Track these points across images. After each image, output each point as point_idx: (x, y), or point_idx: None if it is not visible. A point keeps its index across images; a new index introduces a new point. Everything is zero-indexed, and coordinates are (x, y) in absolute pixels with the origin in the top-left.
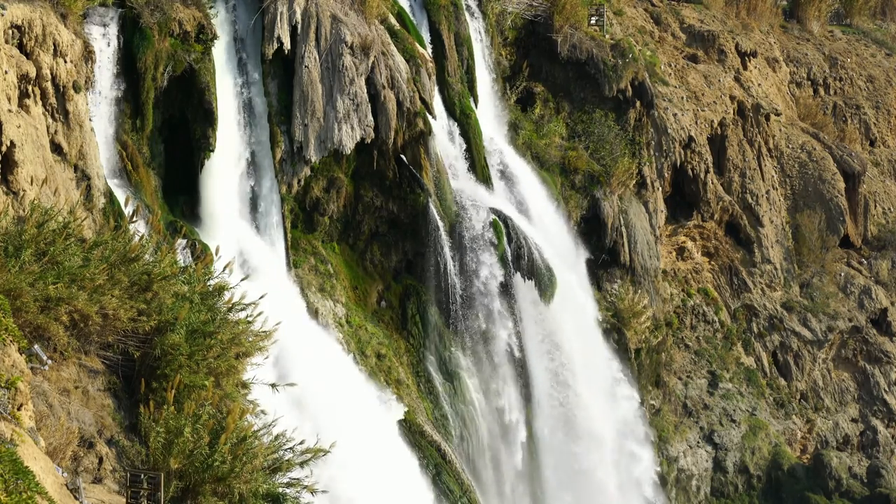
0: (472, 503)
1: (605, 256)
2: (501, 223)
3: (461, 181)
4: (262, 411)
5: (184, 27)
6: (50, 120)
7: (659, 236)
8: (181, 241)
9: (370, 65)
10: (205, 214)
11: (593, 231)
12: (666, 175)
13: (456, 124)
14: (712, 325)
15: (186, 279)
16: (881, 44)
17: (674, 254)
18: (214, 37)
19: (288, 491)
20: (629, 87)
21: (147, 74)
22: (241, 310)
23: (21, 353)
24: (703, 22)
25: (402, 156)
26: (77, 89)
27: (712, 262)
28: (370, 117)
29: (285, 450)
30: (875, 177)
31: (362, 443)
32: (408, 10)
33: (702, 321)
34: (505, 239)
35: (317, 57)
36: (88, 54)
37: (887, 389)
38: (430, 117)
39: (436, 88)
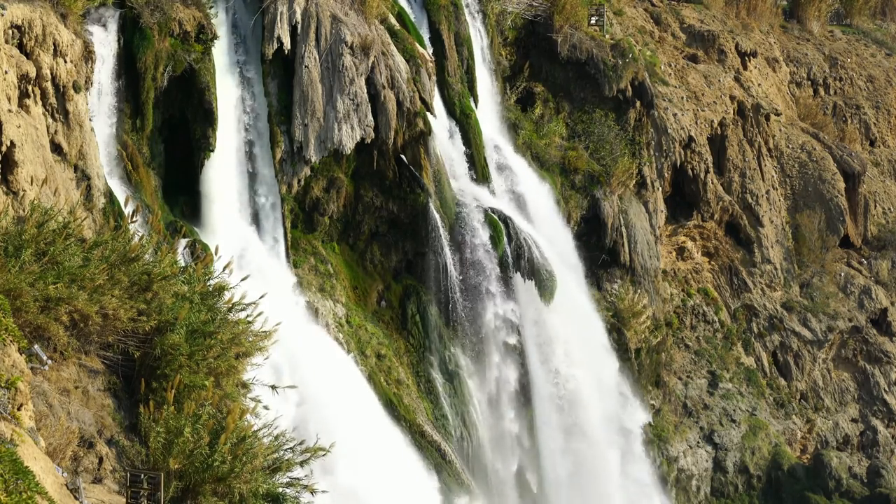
0: (471, 503)
1: (605, 256)
2: (501, 223)
3: (461, 181)
4: (266, 407)
5: (184, 27)
6: (50, 120)
7: (659, 236)
8: (181, 241)
9: (370, 65)
10: (205, 214)
11: (593, 231)
12: (666, 175)
13: (456, 124)
14: (712, 325)
15: (186, 279)
16: (881, 44)
17: (674, 254)
18: (214, 37)
19: (288, 491)
20: (629, 87)
21: (147, 74)
22: (241, 310)
23: (21, 353)
24: (703, 22)
25: (402, 156)
26: (77, 89)
27: (712, 262)
28: (370, 117)
29: (285, 450)
30: (875, 177)
31: (364, 444)
32: (408, 10)
33: (702, 321)
34: (505, 239)
35: (317, 57)
36: (88, 54)
37: (887, 389)
38: (430, 117)
39: (436, 88)
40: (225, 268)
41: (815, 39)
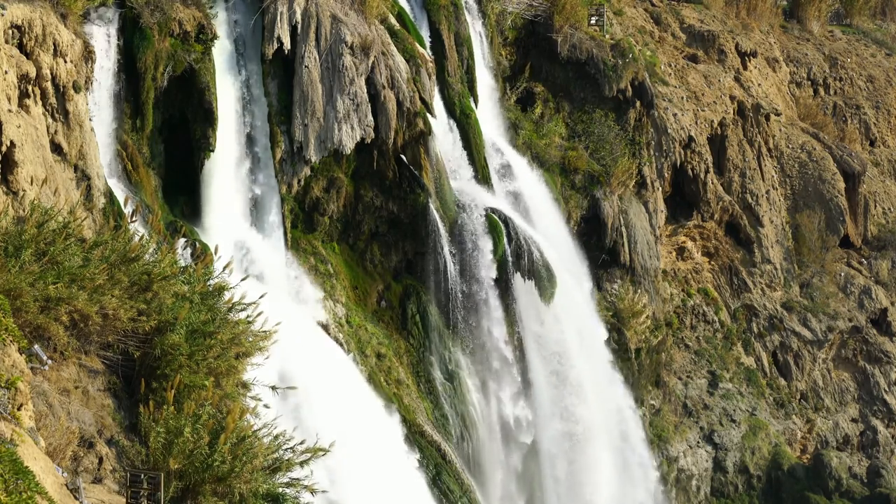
0: (472, 503)
1: (605, 256)
2: (501, 223)
3: (461, 181)
4: (266, 405)
5: (184, 27)
6: (50, 120)
7: (659, 236)
8: (181, 241)
9: (370, 65)
10: (205, 214)
11: (593, 231)
12: (666, 175)
13: (456, 124)
14: (712, 325)
15: (186, 279)
16: (881, 44)
17: (674, 254)
18: (214, 37)
19: (288, 491)
20: (629, 87)
21: (147, 74)
22: (242, 310)
23: (21, 353)
24: (703, 22)
25: (402, 156)
26: (77, 89)
27: (712, 262)
28: (370, 117)
29: (285, 450)
30: (875, 177)
31: (363, 445)
32: (408, 10)
33: (702, 321)
34: (505, 239)
35: (317, 57)
36: (88, 54)
37: (887, 389)
38: (430, 117)
39: (436, 88)
40: (225, 268)
41: (815, 39)
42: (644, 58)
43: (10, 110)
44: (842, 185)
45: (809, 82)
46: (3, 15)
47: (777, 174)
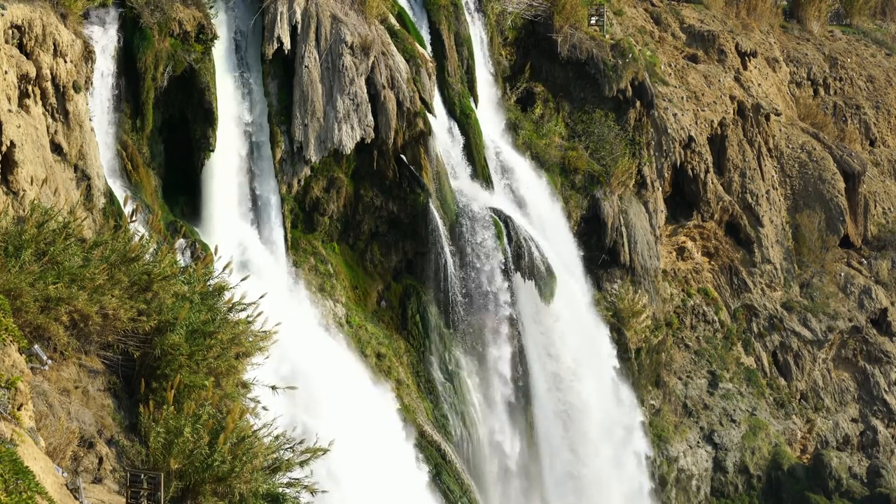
0: (472, 503)
1: (605, 256)
2: (501, 223)
3: (461, 181)
4: (265, 408)
5: (184, 27)
6: (50, 120)
7: (659, 236)
8: (181, 241)
9: (370, 65)
10: (205, 214)
11: (593, 231)
12: (666, 175)
13: (456, 124)
14: (712, 325)
15: (186, 279)
16: (881, 44)
17: (674, 254)
18: (214, 37)
19: (288, 491)
20: (629, 87)
21: (147, 74)
22: (242, 310)
23: (21, 353)
24: (703, 22)
25: (402, 156)
26: (77, 89)
27: (712, 262)
28: (370, 117)
29: (285, 450)
30: (875, 177)
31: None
32: (408, 10)
33: (702, 321)
34: (505, 239)
35: (317, 57)
36: (88, 54)
37: (887, 389)
38: (430, 117)
39: (436, 88)
40: (225, 268)
41: (815, 39)
42: (644, 58)
43: (10, 110)
44: (842, 185)
45: (809, 82)
46: (3, 15)
47: (777, 174)
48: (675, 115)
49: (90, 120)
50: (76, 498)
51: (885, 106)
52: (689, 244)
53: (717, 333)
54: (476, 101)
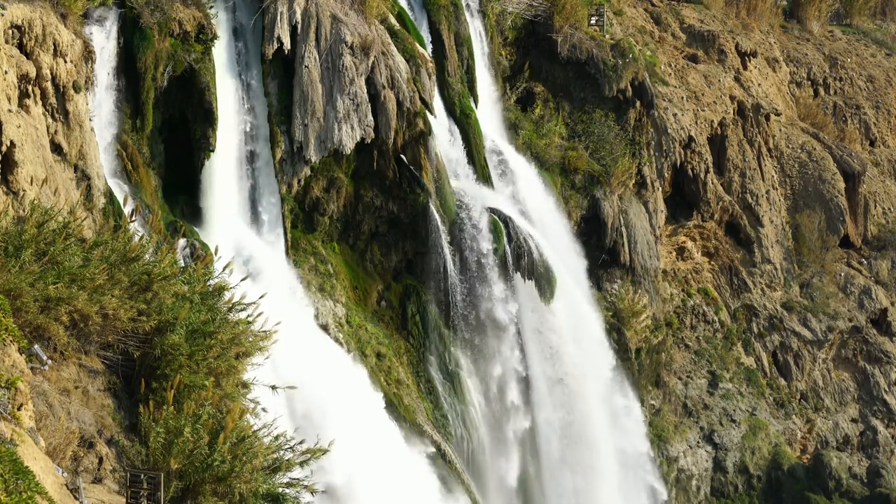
0: (472, 503)
1: (605, 256)
2: (501, 223)
3: (461, 181)
4: (264, 409)
5: (184, 27)
6: (50, 120)
7: (659, 236)
8: (181, 241)
9: (370, 65)
10: (205, 214)
11: (593, 231)
12: (666, 175)
13: (456, 124)
14: (712, 325)
15: (186, 279)
16: (881, 44)
17: (674, 254)
18: (214, 37)
19: (288, 491)
20: (629, 87)
21: (147, 74)
22: (242, 310)
23: (21, 353)
24: (703, 22)
25: (402, 156)
26: (77, 89)
27: (712, 262)
28: (370, 117)
29: (285, 450)
30: (875, 177)
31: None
32: (408, 10)
33: (702, 321)
34: (505, 239)
35: (317, 57)
36: (88, 54)
37: (887, 389)
38: (430, 117)
39: (436, 88)
40: (225, 268)
41: (815, 39)
42: (644, 58)
43: (10, 110)
44: (842, 185)
45: (809, 82)
46: (3, 15)
47: (777, 174)
48: (675, 115)
49: (90, 120)
50: (76, 498)
51: (885, 106)
52: (689, 244)
53: (717, 333)
54: (476, 101)
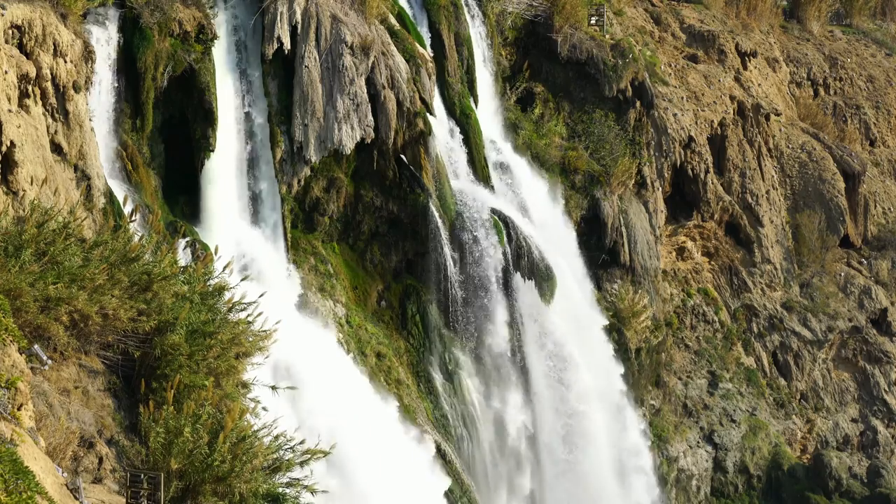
0: (471, 503)
1: (605, 256)
2: (501, 223)
3: (461, 181)
4: (264, 408)
5: (184, 27)
6: (50, 120)
7: (659, 236)
8: (181, 241)
9: (370, 65)
10: (205, 214)
11: (593, 231)
12: (666, 175)
13: (456, 124)
14: (712, 325)
15: (186, 279)
16: (881, 44)
17: (674, 254)
18: (214, 37)
19: (288, 491)
20: (629, 87)
21: (147, 74)
22: (242, 310)
23: (21, 353)
24: (703, 22)
25: (402, 156)
26: (77, 89)
27: (712, 262)
28: (370, 117)
29: (285, 450)
30: (875, 177)
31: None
32: (408, 10)
33: (702, 321)
34: (505, 239)
35: (317, 57)
36: (88, 54)
37: (887, 389)
38: (430, 117)
39: (436, 88)
40: (225, 268)
41: (815, 39)
42: (644, 58)
43: (10, 110)
44: (842, 185)
45: (809, 82)
46: (3, 15)
47: (777, 174)
48: (675, 115)
49: (90, 120)
50: (76, 498)
51: (885, 106)
52: (689, 244)
53: (717, 333)
54: (476, 101)
